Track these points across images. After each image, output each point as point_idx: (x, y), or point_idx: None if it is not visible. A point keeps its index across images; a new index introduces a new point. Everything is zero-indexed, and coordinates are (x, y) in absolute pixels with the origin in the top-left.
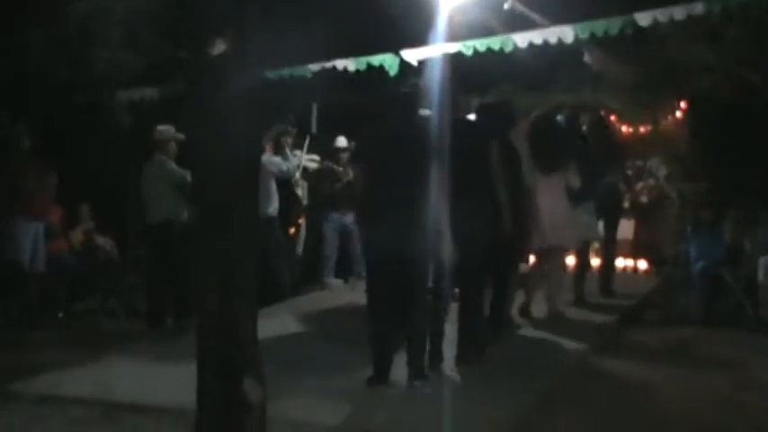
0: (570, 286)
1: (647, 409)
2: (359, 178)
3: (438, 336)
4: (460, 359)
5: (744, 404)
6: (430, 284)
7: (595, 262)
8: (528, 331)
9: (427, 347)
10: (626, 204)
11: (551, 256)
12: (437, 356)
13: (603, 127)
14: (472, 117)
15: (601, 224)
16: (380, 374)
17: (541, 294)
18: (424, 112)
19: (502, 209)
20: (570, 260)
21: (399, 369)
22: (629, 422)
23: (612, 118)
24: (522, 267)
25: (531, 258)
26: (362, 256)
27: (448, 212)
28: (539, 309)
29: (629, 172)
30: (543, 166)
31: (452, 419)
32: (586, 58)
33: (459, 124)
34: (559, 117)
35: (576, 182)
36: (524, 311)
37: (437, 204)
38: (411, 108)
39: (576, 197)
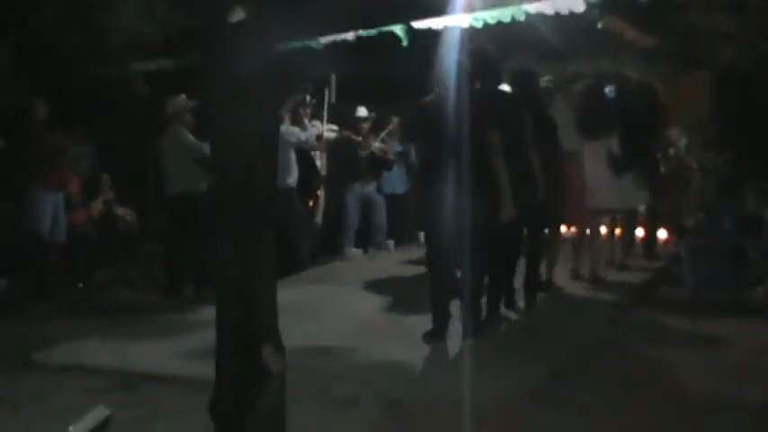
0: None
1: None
2: (419, 145)
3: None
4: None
5: (756, 378)
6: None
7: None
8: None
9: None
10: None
11: (595, 220)
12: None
13: (652, 98)
14: (505, 87)
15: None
16: (439, 329)
17: (582, 258)
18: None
19: (534, 178)
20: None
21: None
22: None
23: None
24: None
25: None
26: (422, 218)
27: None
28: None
29: None
30: (587, 133)
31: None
32: (600, 24)
33: (491, 95)
34: (608, 88)
35: (617, 149)
36: (575, 274)
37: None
38: (467, 78)
39: (618, 165)
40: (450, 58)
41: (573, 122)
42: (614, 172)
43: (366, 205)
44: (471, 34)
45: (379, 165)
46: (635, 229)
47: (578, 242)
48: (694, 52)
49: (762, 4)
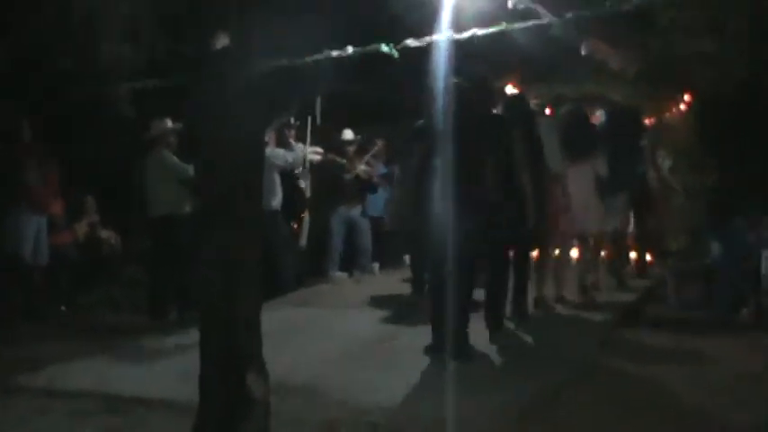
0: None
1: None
2: (420, 161)
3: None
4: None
5: (745, 396)
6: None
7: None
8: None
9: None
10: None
11: (581, 241)
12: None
13: (633, 122)
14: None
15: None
16: (438, 343)
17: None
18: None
19: (526, 196)
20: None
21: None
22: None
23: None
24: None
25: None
26: (422, 233)
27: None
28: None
29: None
30: (572, 156)
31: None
32: (584, 49)
33: (484, 115)
34: (599, 113)
35: (603, 171)
36: (559, 299)
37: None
38: (466, 99)
39: (604, 187)
40: (440, 80)
41: (558, 145)
42: (601, 194)
43: (351, 228)
44: (457, 56)
45: (364, 188)
46: (626, 250)
47: (554, 264)
48: (677, 76)
49: (741, 28)
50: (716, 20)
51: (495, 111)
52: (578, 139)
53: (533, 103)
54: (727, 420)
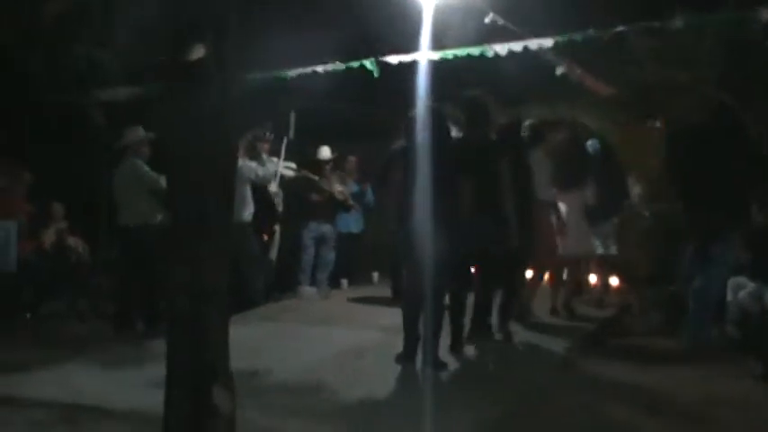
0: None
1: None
2: (399, 182)
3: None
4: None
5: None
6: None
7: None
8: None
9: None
10: None
11: (567, 265)
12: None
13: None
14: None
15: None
16: (409, 352)
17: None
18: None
19: (508, 220)
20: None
21: None
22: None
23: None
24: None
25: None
26: (398, 251)
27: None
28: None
29: None
30: (563, 186)
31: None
32: (559, 71)
33: (474, 140)
34: (590, 142)
35: (591, 199)
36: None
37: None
38: (443, 121)
39: (593, 215)
40: (420, 102)
41: (548, 173)
42: (592, 221)
43: (320, 243)
44: (434, 74)
45: (337, 207)
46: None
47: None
48: (649, 103)
49: (712, 59)
50: (689, 49)
51: (489, 130)
52: (570, 170)
53: (527, 126)
54: None
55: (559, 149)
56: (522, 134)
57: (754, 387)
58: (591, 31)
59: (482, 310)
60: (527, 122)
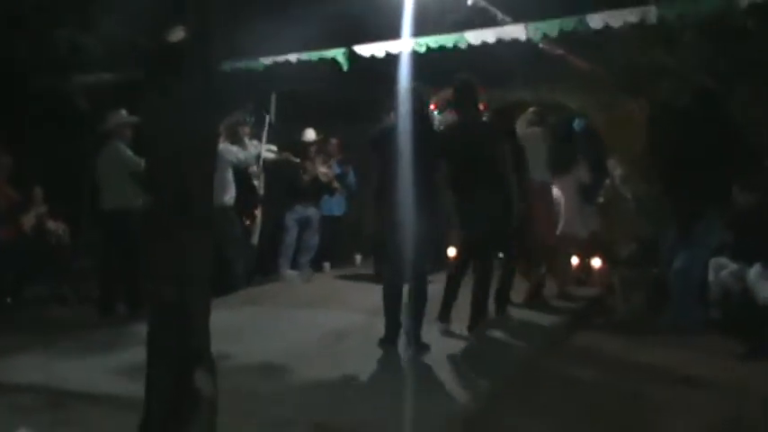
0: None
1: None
2: (377, 164)
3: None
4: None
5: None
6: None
7: None
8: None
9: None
10: None
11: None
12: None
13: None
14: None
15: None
16: (390, 337)
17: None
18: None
19: (512, 200)
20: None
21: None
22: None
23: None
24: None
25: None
26: (381, 233)
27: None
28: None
29: None
30: (557, 166)
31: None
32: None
33: (474, 125)
34: (576, 122)
35: (586, 179)
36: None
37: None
38: (423, 103)
39: (587, 194)
40: (404, 84)
41: (546, 156)
42: (586, 200)
43: (304, 226)
44: (414, 60)
45: (321, 189)
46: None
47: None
48: (633, 84)
49: (696, 41)
50: (672, 31)
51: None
52: (562, 154)
53: (531, 112)
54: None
55: (553, 133)
56: (523, 119)
57: (736, 367)
58: (561, 21)
59: (504, 292)
60: (531, 109)
